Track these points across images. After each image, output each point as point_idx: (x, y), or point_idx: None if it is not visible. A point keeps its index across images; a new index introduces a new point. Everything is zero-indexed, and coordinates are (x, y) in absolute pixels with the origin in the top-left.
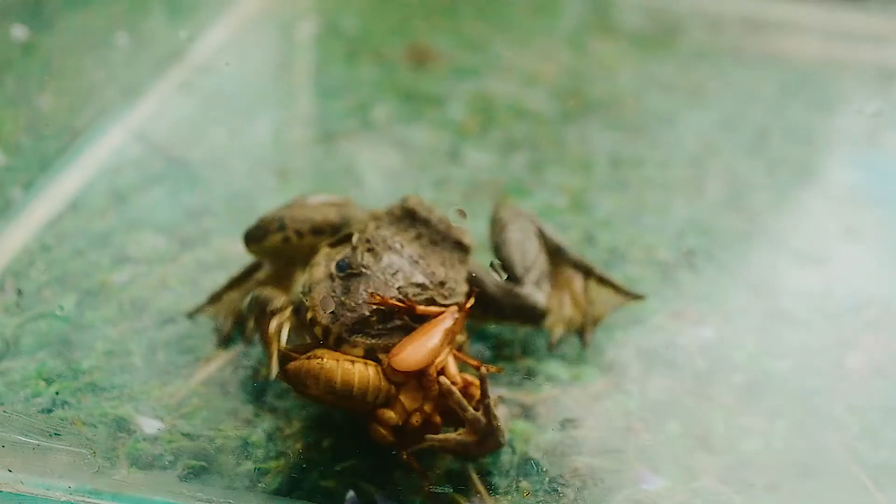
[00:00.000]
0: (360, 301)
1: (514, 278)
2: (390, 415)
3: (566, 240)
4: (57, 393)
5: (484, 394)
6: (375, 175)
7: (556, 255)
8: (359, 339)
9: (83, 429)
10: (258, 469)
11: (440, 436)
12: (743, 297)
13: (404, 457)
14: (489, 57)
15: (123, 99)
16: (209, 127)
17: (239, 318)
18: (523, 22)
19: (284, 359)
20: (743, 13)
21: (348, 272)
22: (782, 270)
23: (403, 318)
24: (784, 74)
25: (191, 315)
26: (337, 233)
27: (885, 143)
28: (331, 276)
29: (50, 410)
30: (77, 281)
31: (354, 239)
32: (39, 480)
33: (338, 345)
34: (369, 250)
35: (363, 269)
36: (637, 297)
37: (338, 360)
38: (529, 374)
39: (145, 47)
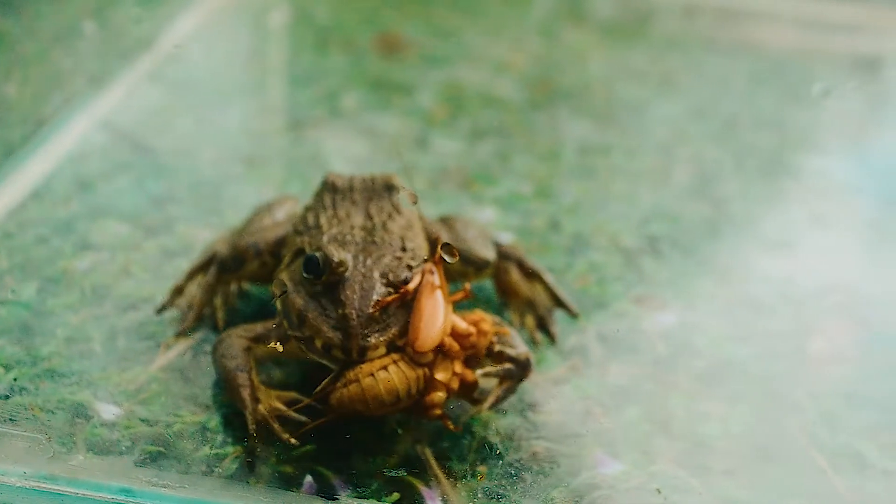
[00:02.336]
0: (357, 305)
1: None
2: (438, 396)
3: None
4: (15, 379)
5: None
6: (342, 163)
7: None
8: (376, 340)
9: (40, 415)
10: (216, 454)
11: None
12: (707, 283)
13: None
14: (460, 46)
15: (90, 87)
16: (177, 115)
17: (202, 310)
18: (494, 11)
19: (323, 395)
20: (716, 2)
21: (326, 281)
22: (747, 257)
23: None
24: (756, 63)
25: (159, 312)
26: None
27: (853, 131)
28: (311, 296)
29: (7, 397)
30: (39, 268)
31: (308, 247)
32: None
33: (362, 356)
34: (331, 250)
35: (341, 272)
36: (567, 308)
37: (372, 374)
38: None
39: (113, 36)
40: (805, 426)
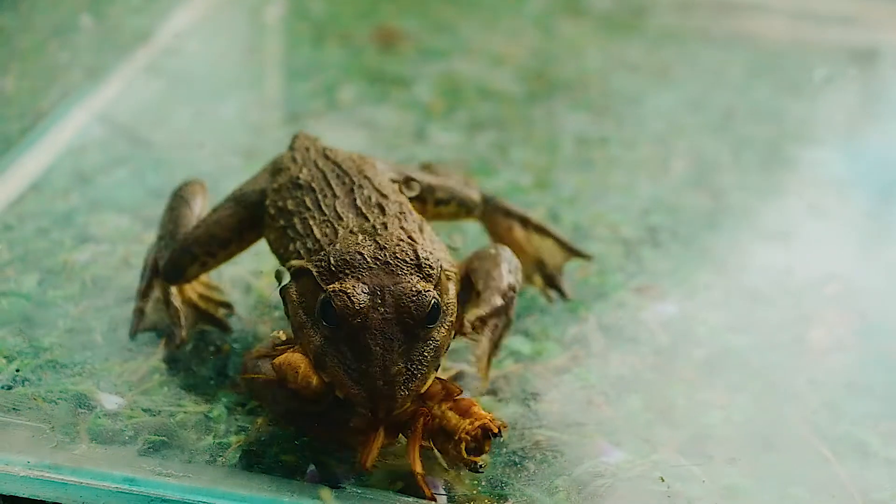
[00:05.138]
0: (381, 360)
1: None
2: None
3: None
4: (17, 370)
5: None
6: None
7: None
8: (403, 394)
9: (43, 405)
10: (219, 444)
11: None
12: (706, 274)
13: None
14: (457, 39)
15: (88, 81)
16: (174, 109)
17: (181, 320)
18: (491, 4)
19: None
20: None
21: (342, 322)
22: (746, 247)
23: None
24: (752, 55)
25: (133, 336)
26: (242, 235)
27: (850, 123)
28: (328, 340)
29: (10, 387)
30: (39, 260)
31: (315, 269)
32: None
33: (390, 413)
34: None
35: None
36: (579, 254)
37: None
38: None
39: (110, 30)
40: (806, 415)
